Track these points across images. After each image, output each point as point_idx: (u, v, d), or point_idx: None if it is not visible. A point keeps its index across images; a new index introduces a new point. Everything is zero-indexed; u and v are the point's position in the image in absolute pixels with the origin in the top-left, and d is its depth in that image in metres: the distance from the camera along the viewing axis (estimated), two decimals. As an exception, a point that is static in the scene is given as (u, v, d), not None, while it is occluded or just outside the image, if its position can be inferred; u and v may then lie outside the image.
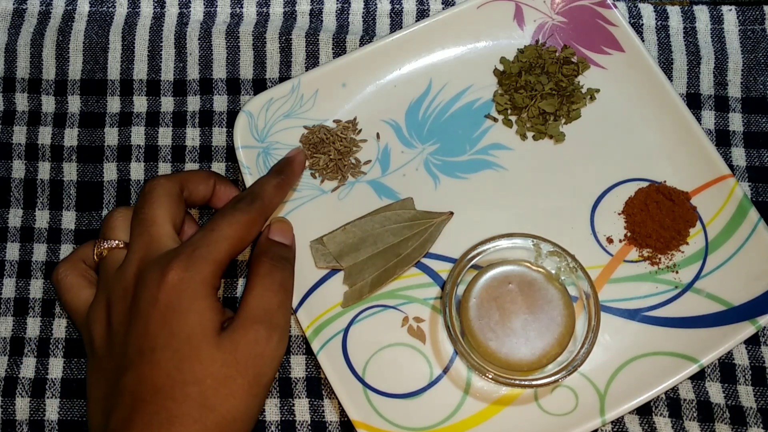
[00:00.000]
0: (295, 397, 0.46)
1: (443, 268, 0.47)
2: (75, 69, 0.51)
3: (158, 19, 0.51)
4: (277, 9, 0.52)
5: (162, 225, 0.40)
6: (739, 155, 0.49)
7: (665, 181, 0.48)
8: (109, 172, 0.49)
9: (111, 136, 0.50)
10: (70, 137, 0.50)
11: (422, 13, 0.52)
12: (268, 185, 0.43)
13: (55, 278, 0.42)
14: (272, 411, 0.46)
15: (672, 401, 0.45)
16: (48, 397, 0.46)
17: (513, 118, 0.49)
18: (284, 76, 0.51)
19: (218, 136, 0.50)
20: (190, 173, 0.44)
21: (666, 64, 0.51)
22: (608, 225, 0.47)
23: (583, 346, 0.43)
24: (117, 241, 0.41)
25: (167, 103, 0.50)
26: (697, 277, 0.46)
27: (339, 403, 0.44)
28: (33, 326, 0.47)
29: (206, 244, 0.39)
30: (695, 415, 0.45)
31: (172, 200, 0.41)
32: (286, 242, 0.44)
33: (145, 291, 0.38)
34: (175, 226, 0.41)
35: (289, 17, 0.52)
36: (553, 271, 0.45)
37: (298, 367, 0.46)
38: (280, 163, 0.46)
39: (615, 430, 0.45)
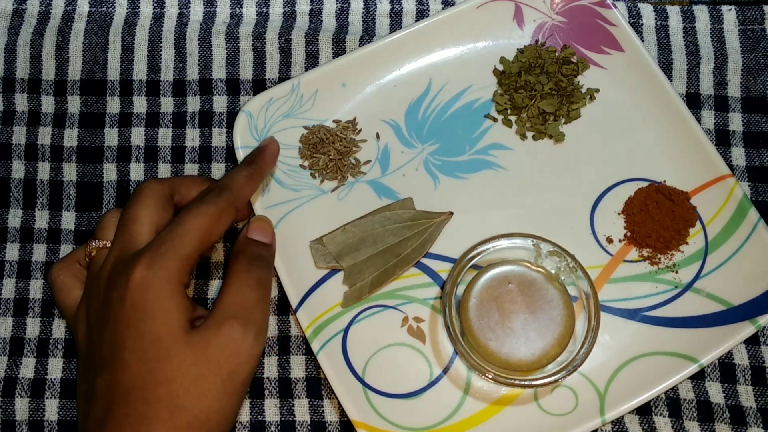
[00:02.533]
0: (295, 398, 0.46)
1: (443, 268, 0.47)
2: (75, 69, 0.51)
3: (158, 19, 0.51)
4: (276, 9, 0.52)
5: (141, 224, 0.40)
6: (738, 155, 0.49)
7: (665, 181, 0.48)
8: (109, 172, 0.49)
9: (111, 137, 0.50)
10: (70, 137, 0.50)
11: (422, 13, 0.52)
12: (237, 176, 0.42)
13: (50, 278, 0.42)
14: (272, 411, 0.46)
15: (672, 401, 0.45)
16: (47, 398, 0.46)
17: (513, 118, 0.49)
18: (284, 76, 0.51)
19: (218, 137, 0.50)
20: (185, 178, 0.44)
21: (666, 64, 0.51)
22: (608, 225, 0.47)
23: (583, 346, 0.43)
24: (105, 242, 0.41)
25: (167, 104, 0.50)
26: (696, 277, 0.46)
27: (339, 403, 0.44)
28: (33, 326, 0.47)
29: (171, 238, 0.38)
30: (695, 414, 0.45)
31: (157, 202, 0.41)
32: (265, 240, 0.43)
33: (114, 291, 0.38)
34: (157, 228, 0.40)
35: (289, 17, 0.52)
36: (553, 271, 0.45)
37: (298, 368, 0.46)
38: (252, 152, 0.45)
39: (615, 430, 0.45)
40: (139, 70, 0.51)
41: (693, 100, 0.50)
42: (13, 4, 0.52)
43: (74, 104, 0.50)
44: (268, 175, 0.46)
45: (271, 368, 0.46)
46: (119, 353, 0.36)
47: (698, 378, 0.46)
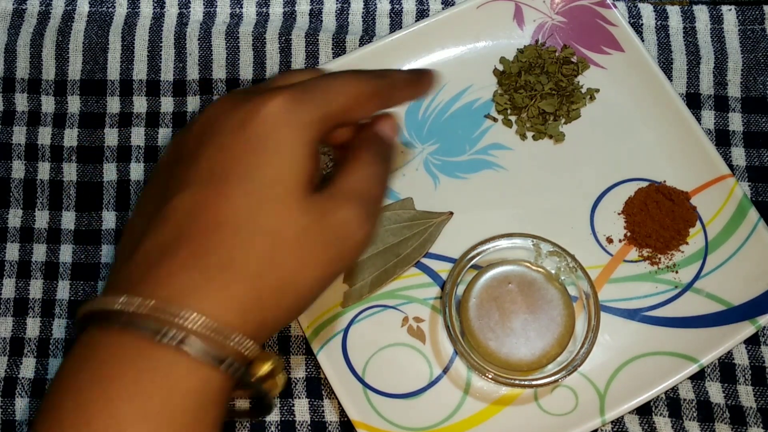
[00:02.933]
0: (295, 398, 0.46)
1: (443, 268, 0.47)
2: (75, 69, 0.51)
3: (158, 19, 0.51)
4: (276, 9, 0.52)
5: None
6: (738, 155, 0.49)
7: (665, 181, 0.48)
8: (109, 172, 0.49)
9: (111, 137, 0.50)
10: (70, 137, 0.50)
11: (422, 13, 0.52)
12: (399, 72, 0.36)
13: None
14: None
15: (672, 401, 0.45)
16: (48, 398, 0.46)
17: (513, 118, 0.49)
18: (284, 76, 0.51)
19: (218, 137, 0.50)
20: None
21: (666, 64, 0.51)
22: (608, 225, 0.47)
23: (583, 346, 0.43)
24: None
25: (167, 104, 0.50)
26: (696, 277, 0.46)
27: (339, 403, 0.44)
28: (33, 326, 0.47)
29: (317, 88, 0.31)
30: (695, 415, 0.45)
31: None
32: (391, 138, 0.36)
33: (235, 114, 0.30)
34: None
35: (289, 17, 0.52)
36: (553, 271, 0.45)
37: (297, 368, 0.46)
38: (413, 70, 0.38)
39: (615, 430, 0.45)
40: (139, 70, 0.51)
41: (693, 100, 0.50)
42: (13, 4, 0.52)
43: (74, 104, 0.50)
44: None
45: (271, 368, 0.46)
46: (221, 180, 0.29)
47: (698, 378, 0.46)
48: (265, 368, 0.30)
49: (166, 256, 0.28)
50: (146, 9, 0.52)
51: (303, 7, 0.52)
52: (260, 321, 0.29)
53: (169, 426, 0.26)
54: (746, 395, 0.45)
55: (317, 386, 0.46)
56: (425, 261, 0.47)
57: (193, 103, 0.50)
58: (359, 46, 0.50)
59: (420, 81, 0.37)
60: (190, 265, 0.28)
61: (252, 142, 0.30)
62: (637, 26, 0.51)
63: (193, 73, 0.51)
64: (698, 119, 0.50)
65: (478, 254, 0.45)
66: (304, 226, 0.30)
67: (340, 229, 0.31)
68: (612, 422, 0.45)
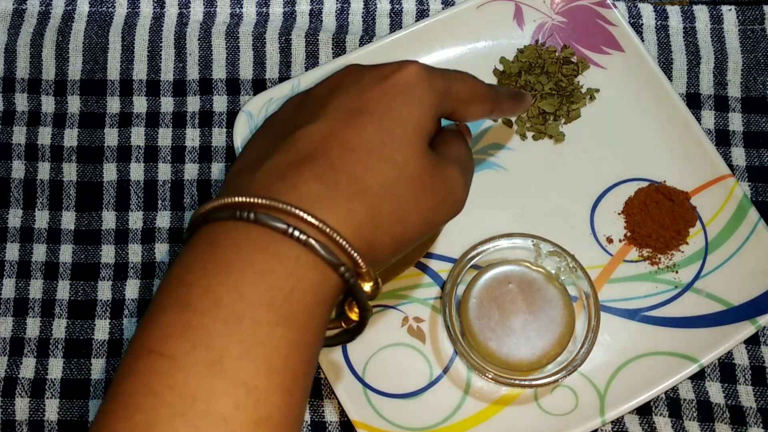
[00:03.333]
0: (295, 397, 0.46)
1: (443, 268, 0.47)
2: (75, 69, 0.51)
3: (158, 19, 0.51)
4: (276, 9, 0.52)
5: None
6: (738, 155, 0.49)
7: (665, 181, 0.48)
8: (109, 172, 0.49)
9: (111, 137, 0.50)
10: (70, 137, 0.50)
11: (422, 13, 0.52)
12: (505, 88, 0.39)
13: None
14: (272, 411, 0.46)
15: (672, 401, 0.45)
16: (48, 398, 0.46)
17: (513, 118, 0.49)
18: (284, 76, 0.51)
19: (218, 137, 0.50)
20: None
21: (666, 64, 0.51)
22: (608, 225, 0.47)
23: (583, 346, 0.43)
24: None
25: (167, 104, 0.50)
26: (696, 277, 0.46)
27: (339, 403, 0.44)
28: (33, 326, 0.47)
29: (446, 73, 0.34)
30: (695, 415, 0.45)
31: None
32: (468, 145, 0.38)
33: (375, 70, 0.33)
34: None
35: (289, 17, 0.52)
36: (553, 271, 0.45)
37: (298, 367, 0.46)
38: (515, 90, 0.41)
39: (615, 430, 0.45)
40: (139, 70, 0.51)
41: (693, 100, 0.50)
42: (13, 4, 0.52)
43: (74, 104, 0.50)
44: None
45: (271, 368, 0.46)
46: (354, 113, 0.31)
47: (698, 378, 0.46)
48: (369, 288, 0.30)
49: (294, 169, 0.29)
50: (146, 9, 0.52)
51: (303, 7, 0.52)
52: (370, 242, 0.30)
53: (290, 318, 0.27)
54: (746, 395, 0.45)
55: (317, 386, 0.46)
56: (425, 261, 0.47)
57: (193, 103, 0.50)
58: (359, 46, 0.50)
59: (520, 100, 0.40)
60: (317, 178, 0.29)
61: (395, 88, 0.32)
62: (637, 26, 0.51)
63: (193, 73, 0.51)
64: (698, 119, 0.50)
65: (478, 254, 0.45)
66: (424, 167, 0.31)
67: (448, 182, 0.33)
68: (612, 422, 0.45)
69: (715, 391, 0.46)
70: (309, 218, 0.28)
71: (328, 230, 0.28)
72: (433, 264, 0.47)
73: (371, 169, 0.30)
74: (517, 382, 0.42)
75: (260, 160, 0.31)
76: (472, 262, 0.44)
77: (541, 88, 0.49)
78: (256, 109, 0.47)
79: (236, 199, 0.28)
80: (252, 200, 0.28)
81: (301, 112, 0.33)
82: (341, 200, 0.29)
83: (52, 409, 0.46)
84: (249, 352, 0.26)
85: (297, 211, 0.28)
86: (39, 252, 0.48)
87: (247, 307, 0.26)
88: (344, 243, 0.28)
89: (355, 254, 0.29)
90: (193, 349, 0.26)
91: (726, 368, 0.46)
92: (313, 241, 0.27)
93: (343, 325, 0.31)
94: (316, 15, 0.52)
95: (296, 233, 0.27)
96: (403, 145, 0.31)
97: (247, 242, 0.28)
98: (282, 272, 0.27)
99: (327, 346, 0.33)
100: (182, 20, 0.52)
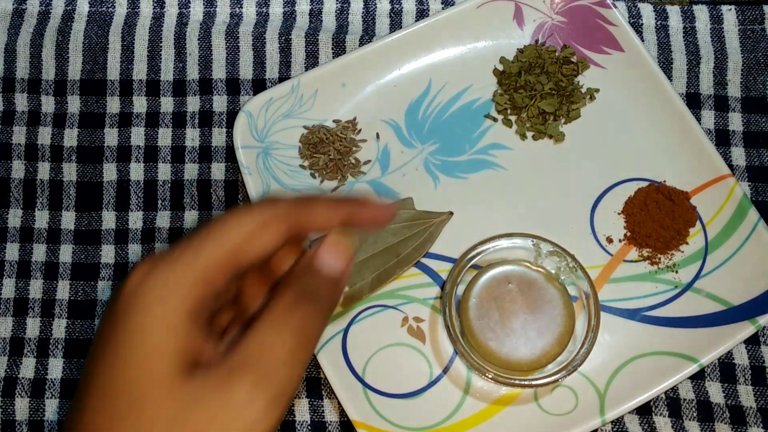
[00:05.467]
0: (295, 397, 0.46)
1: (443, 268, 0.47)
2: (75, 69, 0.51)
3: (158, 19, 0.51)
4: (276, 9, 0.52)
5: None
6: (738, 155, 0.49)
7: (665, 181, 0.48)
8: (109, 172, 0.49)
9: (111, 137, 0.50)
10: (70, 137, 0.50)
11: (422, 13, 0.52)
12: (318, 196, 0.31)
13: None
14: (272, 411, 0.46)
15: (672, 401, 0.45)
16: (47, 398, 0.46)
17: (513, 117, 0.49)
18: (284, 76, 0.51)
19: (218, 137, 0.50)
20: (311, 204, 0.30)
21: (666, 64, 0.51)
22: (608, 225, 0.47)
23: (583, 345, 0.43)
24: None
25: (167, 104, 0.50)
26: (696, 277, 0.46)
27: (339, 403, 0.44)
28: (33, 326, 0.47)
29: (188, 242, 0.28)
30: (695, 414, 0.45)
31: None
32: (334, 269, 0.30)
33: (108, 303, 0.28)
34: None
35: (289, 17, 0.52)
36: (553, 271, 0.45)
37: (297, 367, 0.46)
38: (359, 198, 0.31)
39: (615, 430, 0.45)
40: (139, 70, 0.51)
41: (693, 100, 0.50)
42: (13, 4, 0.52)
43: (74, 104, 0.50)
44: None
45: (271, 368, 0.46)
46: (85, 390, 0.27)
47: (698, 378, 0.46)
48: None
49: None
50: (146, 9, 0.52)
51: (303, 7, 0.52)
52: None
53: None
54: (746, 395, 0.45)
55: (317, 386, 0.46)
56: (425, 261, 0.47)
57: (193, 103, 0.50)
58: (359, 46, 0.50)
59: (354, 212, 0.30)
60: None
61: (108, 337, 0.26)
62: (637, 26, 0.51)
63: (193, 73, 0.51)
64: (698, 119, 0.50)
65: (478, 254, 0.45)
66: (169, 420, 0.25)
67: (219, 413, 0.26)
68: (612, 422, 0.45)
69: (715, 391, 0.46)
70: None
71: None
72: (433, 264, 0.47)
73: None
74: (517, 382, 0.42)
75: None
76: (472, 262, 0.44)
77: (541, 88, 0.49)
78: (256, 109, 0.47)
79: None
80: None
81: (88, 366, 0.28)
82: None
83: (52, 409, 0.46)
84: None
85: None
86: (39, 252, 0.48)
87: None
88: None
89: None
90: None
91: (726, 368, 0.46)
92: None
93: None
94: (316, 15, 0.52)
95: None
96: (135, 413, 0.25)
97: None
98: None
99: None
100: (182, 20, 0.52)
